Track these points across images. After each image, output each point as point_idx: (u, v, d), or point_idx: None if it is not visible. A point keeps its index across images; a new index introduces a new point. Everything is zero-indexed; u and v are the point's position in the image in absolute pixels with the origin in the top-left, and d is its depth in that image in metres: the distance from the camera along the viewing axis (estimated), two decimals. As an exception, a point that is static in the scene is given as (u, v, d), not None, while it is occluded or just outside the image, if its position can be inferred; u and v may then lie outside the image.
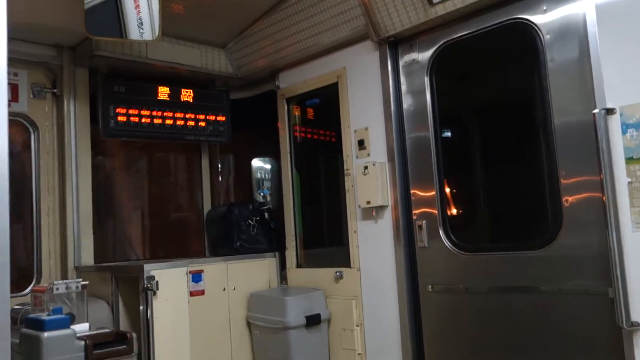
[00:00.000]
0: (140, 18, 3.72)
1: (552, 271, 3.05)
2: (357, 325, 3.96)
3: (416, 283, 3.71)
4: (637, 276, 2.60)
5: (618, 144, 2.67)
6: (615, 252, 2.64)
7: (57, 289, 2.92)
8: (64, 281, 2.98)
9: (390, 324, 3.76)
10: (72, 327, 2.83)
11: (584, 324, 2.95)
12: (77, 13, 3.51)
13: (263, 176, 5.27)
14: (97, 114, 4.27)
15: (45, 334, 2.70)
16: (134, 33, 3.73)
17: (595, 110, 2.72)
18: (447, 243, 3.55)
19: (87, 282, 3.12)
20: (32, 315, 2.87)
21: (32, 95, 4.19)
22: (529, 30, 3.18)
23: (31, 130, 4.20)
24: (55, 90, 4.24)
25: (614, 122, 2.68)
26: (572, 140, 2.99)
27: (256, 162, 5.28)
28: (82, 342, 2.91)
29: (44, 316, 2.79)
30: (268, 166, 5.25)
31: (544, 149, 3.17)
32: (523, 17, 3.20)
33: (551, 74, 3.08)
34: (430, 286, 3.63)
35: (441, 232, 3.57)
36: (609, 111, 2.69)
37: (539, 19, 3.13)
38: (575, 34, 2.97)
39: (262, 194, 5.25)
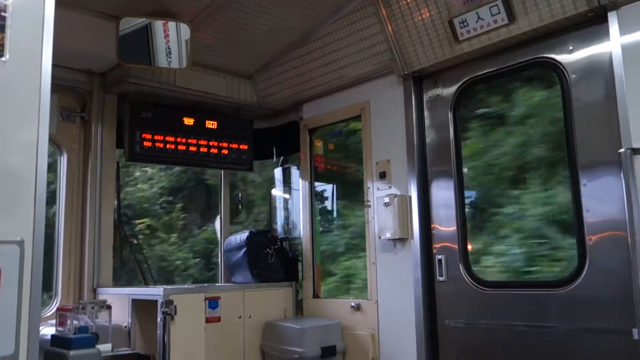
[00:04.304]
0: (169, 47, 3.86)
1: (575, 309, 3.02)
2: (373, 359, 3.92)
3: (434, 317, 3.68)
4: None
5: (644, 183, 2.67)
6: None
7: (83, 308, 2.94)
8: (90, 301, 3.00)
9: (407, 358, 3.72)
10: (96, 346, 2.83)
11: (606, 364, 2.91)
12: (110, 41, 3.63)
13: (282, 205, 5.28)
14: (123, 138, 4.36)
15: (72, 352, 2.72)
16: (162, 61, 3.86)
17: (621, 150, 2.74)
18: (467, 278, 3.53)
19: (111, 304, 3.13)
20: (58, 334, 2.87)
21: (61, 119, 4.27)
22: (555, 69, 3.22)
23: (58, 152, 4.28)
24: (84, 115, 4.33)
25: (640, 161, 2.69)
26: (598, 179, 2.99)
27: (276, 192, 5.31)
28: (107, 362, 2.91)
29: (71, 335, 2.80)
30: (287, 195, 5.27)
31: (569, 186, 3.17)
32: (549, 56, 3.24)
33: (576, 113, 3.10)
34: (448, 321, 3.60)
35: (461, 267, 3.56)
36: (635, 151, 2.70)
37: (565, 58, 3.17)
38: (601, 74, 3.00)
39: (280, 223, 5.26)
